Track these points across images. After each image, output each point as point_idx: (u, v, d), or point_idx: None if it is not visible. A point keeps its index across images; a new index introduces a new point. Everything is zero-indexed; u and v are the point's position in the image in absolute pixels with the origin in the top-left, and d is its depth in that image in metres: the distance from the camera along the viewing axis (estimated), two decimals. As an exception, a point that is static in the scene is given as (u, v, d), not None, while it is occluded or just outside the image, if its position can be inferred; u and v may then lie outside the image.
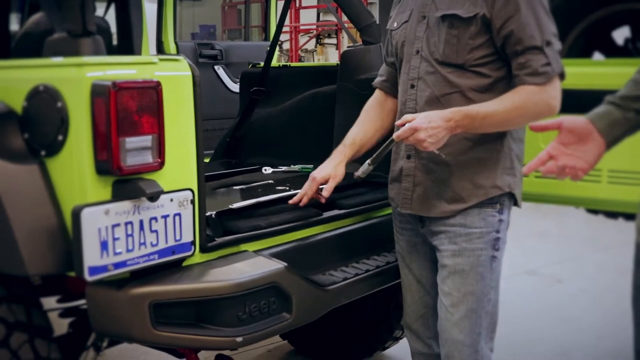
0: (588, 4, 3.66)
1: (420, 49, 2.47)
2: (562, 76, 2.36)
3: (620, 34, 4.00)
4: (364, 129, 2.70)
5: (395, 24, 2.62)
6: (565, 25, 3.63)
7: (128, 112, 2.00)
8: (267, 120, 3.99)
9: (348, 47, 3.70)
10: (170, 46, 5.19)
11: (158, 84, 2.07)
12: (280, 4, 6.11)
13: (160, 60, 2.18)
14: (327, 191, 2.62)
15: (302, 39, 17.86)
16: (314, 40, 18.28)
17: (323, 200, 2.68)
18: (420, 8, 2.50)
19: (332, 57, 17.35)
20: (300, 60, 16.55)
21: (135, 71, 2.10)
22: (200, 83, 2.23)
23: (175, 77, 2.17)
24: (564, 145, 1.88)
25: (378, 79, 2.79)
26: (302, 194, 2.65)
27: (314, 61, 17.15)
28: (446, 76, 2.41)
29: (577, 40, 3.74)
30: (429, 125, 2.26)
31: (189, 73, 2.20)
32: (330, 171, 2.63)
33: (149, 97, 2.05)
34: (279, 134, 3.91)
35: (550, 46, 2.32)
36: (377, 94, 2.77)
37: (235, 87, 5.18)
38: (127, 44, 4.42)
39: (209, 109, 4.71)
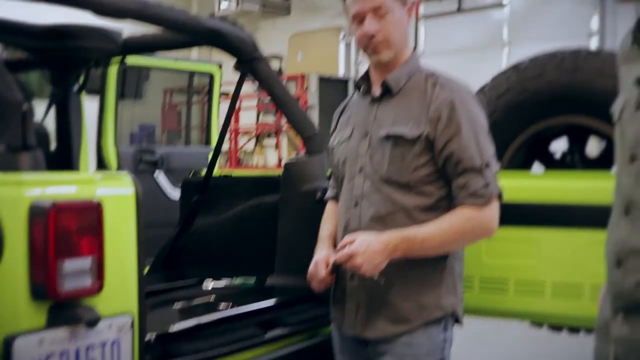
0: (526, 118, 3.75)
1: (364, 166, 2.47)
2: (500, 197, 2.38)
3: (559, 147, 4.11)
4: (334, 223, 2.63)
5: (337, 141, 2.62)
6: (505, 138, 3.71)
7: (67, 233, 1.93)
8: (208, 231, 3.93)
9: (290, 159, 3.70)
10: (110, 151, 5.14)
11: (99, 203, 2.01)
12: (221, 105, 6.18)
13: (103, 178, 2.13)
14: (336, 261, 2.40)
15: (241, 140, 17.96)
16: (253, 141, 18.38)
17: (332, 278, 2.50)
18: (362, 125, 2.51)
19: (271, 158, 17.44)
20: (239, 162, 16.57)
21: (75, 189, 2.04)
22: (143, 200, 2.18)
23: (117, 196, 2.12)
24: None
25: (330, 192, 2.76)
26: (320, 280, 2.45)
27: (253, 162, 17.20)
28: (390, 195, 2.40)
29: (517, 152, 3.81)
30: (366, 250, 2.26)
31: (132, 191, 2.15)
32: (326, 252, 2.50)
33: (90, 217, 1.99)
34: (220, 245, 3.84)
35: (489, 168, 2.35)
36: (332, 204, 2.73)
37: (175, 194, 5.12)
38: (66, 151, 4.36)
39: (148, 216, 4.63)
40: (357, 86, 2.60)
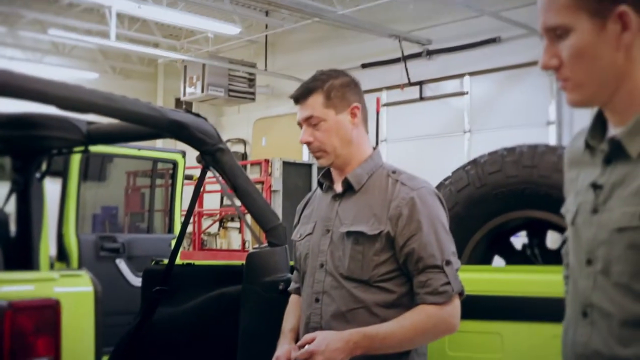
0: (487, 211, 3.80)
1: (325, 262, 2.47)
2: (461, 294, 2.39)
3: (519, 240, 4.15)
4: (296, 316, 2.63)
5: (299, 235, 2.63)
6: (466, 231, 3.74)
7: (23, 333, 1.90)
8: (169, 321, 3.87)
9: (253, 249, 3.68)
10: (71, 239, 5.07)
11: (57, 302, 1.98)
12: (186, 188, 6.18)
13: (61, 276, 2.11)
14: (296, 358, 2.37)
15: (205, 222, 17.88)
16: (217, 224, 18.29)
17: None
18: (324, 221, 2.53)
19: (234, 241, 17.36)
20: (203, 244, 16.47)
21: (33, 288, 2.02)
22: (102, 299, 2.16)
23: (75, 294, 2.10)
24: None
25: (293, 285, 2.76)
26: None
27: (216, 244, 17.10)
28: (351, 291, 2.40)
29: (478, 245, 3.84)
30: (326, 348, 2.25)
31: (91, 289, 2.13)
32: (288, 347, 2.49)
33: (47, 316, 1.97)
34: (182, 336, 3.78)
35: (449, 265, 2.37)
36: (295, 297, 2.72)
37: (136, 282, 5.06)
38: (26, 239, 4.30)
39: (109, 303, 4.56)
40: (319, 183, 2.64)
